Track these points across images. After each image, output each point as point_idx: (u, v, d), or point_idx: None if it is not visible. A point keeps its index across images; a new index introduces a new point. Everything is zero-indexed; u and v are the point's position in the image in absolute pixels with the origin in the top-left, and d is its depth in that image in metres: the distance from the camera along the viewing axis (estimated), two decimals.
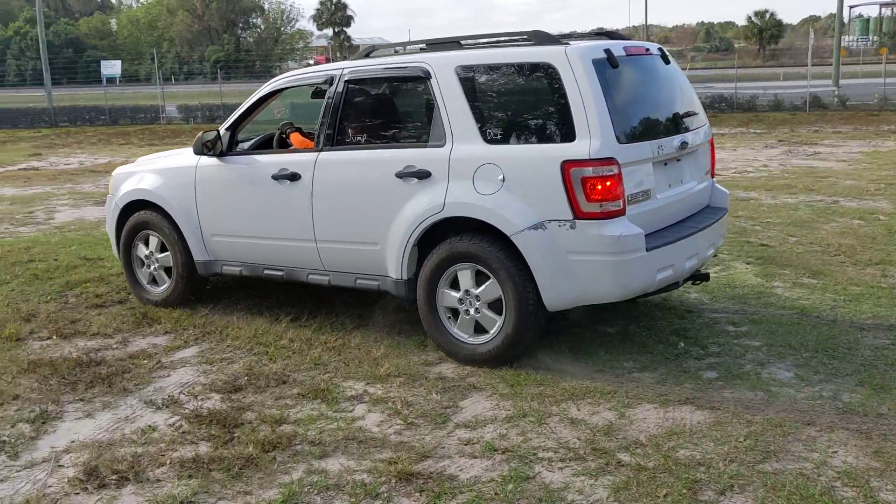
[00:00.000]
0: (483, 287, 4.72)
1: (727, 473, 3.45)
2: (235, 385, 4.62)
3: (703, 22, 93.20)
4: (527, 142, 4.61)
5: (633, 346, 5.05)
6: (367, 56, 5.51)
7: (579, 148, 4.37)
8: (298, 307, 6.05)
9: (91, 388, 4.63)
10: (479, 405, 4.27)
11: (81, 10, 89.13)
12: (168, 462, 3.70)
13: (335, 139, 5.28)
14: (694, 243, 4.90)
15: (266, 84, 5.91)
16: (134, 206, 6.25)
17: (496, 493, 3.37)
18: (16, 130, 27.52)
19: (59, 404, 4.44)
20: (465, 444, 3.82)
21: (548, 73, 4.56)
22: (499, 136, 4.68)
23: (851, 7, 64.66)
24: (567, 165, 4.38)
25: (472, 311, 4.80)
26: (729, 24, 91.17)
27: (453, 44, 5.20)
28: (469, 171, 4.68)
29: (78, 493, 3.47)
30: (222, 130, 5.82)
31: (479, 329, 4.82)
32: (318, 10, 76.19)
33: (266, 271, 5.71)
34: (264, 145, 6.20)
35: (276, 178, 5.41)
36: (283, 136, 6.18)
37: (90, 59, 60.01)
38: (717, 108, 24.87)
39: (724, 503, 3.24)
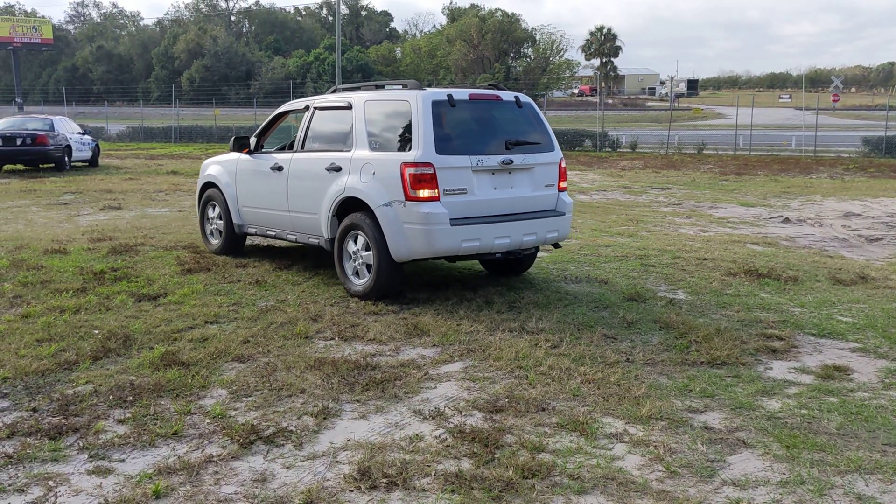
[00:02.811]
0: (367, 253, 7.15)
1: None
2: (497, 406, 4.70)
3: None
4: (390, 150, 7.02)
5: None
6: (332, 93, 8.28)
7: (411, 155, 6.74)
8: (559, 334, 6.06)
9: (366, 391, 4.95)
10: (749, 463, 3.99)
11: (372, 38, 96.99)
12: (433, 473, 3.84)
13: (304, 145, 8.09)
14: (506, 228, 7.04)
15: (276, 109, 8.98)
16: (207, 185, 9.46)
17: None
18: None
19: (339, 402, 4.78)
20: None
21: (405, 108, 6.99)
22: (377, 146, 7.16)
23: None
24: (404, 166, 6.72)
25: (357, 263, 7.30)
26: None
27: (376, 87, 7.88)
28: (358, 167, 7.17)
29: (352, 491, 3.70)
30: (252, 137, 8.80)
31: (357, 274, 7.38)
32: (587, 40, 76.79)
33: (268, 232, 8.51)
34: (284, 149, 8.81)
35: (272, 168, 8.27)
36: (293, 143, 8.57)
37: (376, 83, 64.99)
38: None
39: None
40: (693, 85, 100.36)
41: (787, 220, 12.92)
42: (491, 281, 7.99)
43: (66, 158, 22.82)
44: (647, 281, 8.16)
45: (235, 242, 9.18)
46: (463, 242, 6.77)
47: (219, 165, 9.31)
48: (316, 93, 73.26)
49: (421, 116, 6.77)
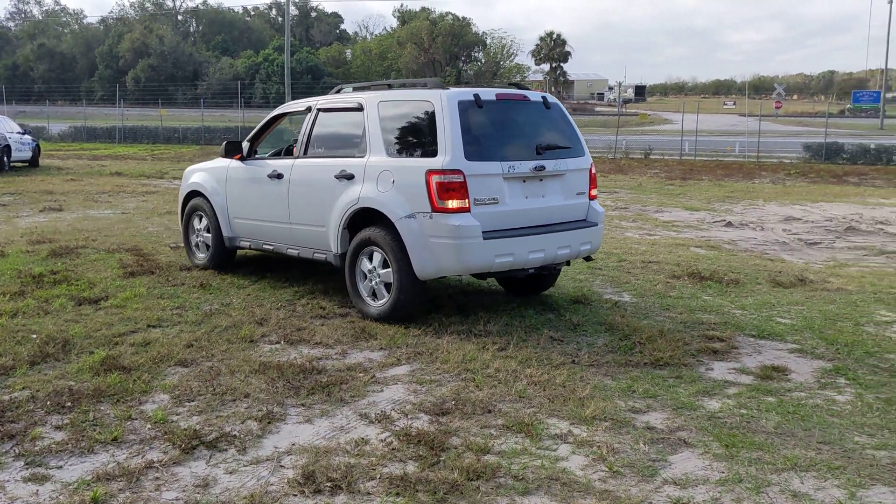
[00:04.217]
0: (385, 271, 6.46)
1: None
2: (443, 408, 4.71)
3: None
4: (411, 156, 6.41)
5: (868, 418, 4.62)
6: (336, 93, 7.63)
7: (438, 161, 6.09)
8: (506, 337, 6.10)
9: (312, 395, 4.91)
10: (689, 462, 4.06)
11: (322, 40, 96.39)
12: (378, 476, 3.83)
13: (306, 150, 7.38)
14: (540, 241, 6.43)
15: (272, 112, 8.31)
16: (192, 194, 8.63)
17: None
18: None
19: (284, 407, 4.74)
20: (675, 503, 3.64)
21: (427, 109, 6.34)
22: (395, 151, 6.50)
23: None
24: (429, 173, 6.08)
25: (374, 282, 6.62)
26: None
27: (384, 86, 7.20)
28: (374, 175, 6.48)
29: (296, 495, 3.67)
30: (245, 142, 8.11)
31: (374, 295, 6.67)
32: (537, 45, 77.55)
33: (264, 245, 7.78)
34: (279, 154, 8.29)
35: (270, 177, 7.54)
36: (290, 148, 8.21)
37: (326, 84, 64.65)
38: None
39: None
40: (641, 91, 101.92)
41: (730, 224, 13.20)
42: (437, 283, 8.00)
43: (5, 158, 22.21)
44: (593, 283, 8.26)
45: (224, 257, 8.37)
46: (496, 258, 6.15)
47: (206, 173, 8.53)
48: (266, 95, 72.56)
49: (447, 118, 6.12)
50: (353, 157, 6.74)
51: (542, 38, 79.51)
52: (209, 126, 38.90)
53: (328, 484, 3.75)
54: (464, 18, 77.37)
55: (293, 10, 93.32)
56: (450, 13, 78.52)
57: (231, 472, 3.90)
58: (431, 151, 6.16)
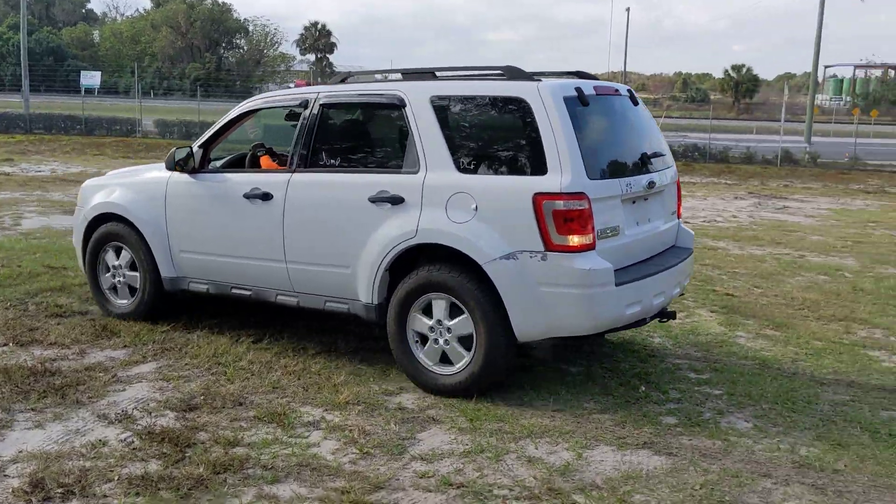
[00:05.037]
0: (456, 321, 4.76)
1: None
2: (191, 404, 4.54)
3: (680, 72, 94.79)
4: (499, 172, 4.75)
5: (595, 387, 5.05)
6: (342, 82, 5.66)
7: (551, 181, 4.49)
8: (261, 329, 5.99)
9: (43, 399, 4.53)
10: (437, 438, 4.23)
11: (65, 20, 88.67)
12: (116, 478, 3.62)
13: (308, 161, 5.35)
14: (662, 281, 5.01)
15: (240, 104, 6.00)
16: (102, 219, 6.22)
17: None
18: None
19: (10, 413, 4.33)
20: (420, 477, 3.77)
21: (520, 107, 4.69)
22: (472, 166, 4.80)
23: (826, 67, 66.32)
24: (539, 198, 4.49)
25: (443, 340, 4.82)
26: (706, 76, 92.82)
27: (428, 74, 5.33)
28: (443, 199, 4.75)
29: None
30: (195, 147, 5.84)
31: (445, 360, 4.87)
32: (302, 34, 76.61)
33: (234, 290, 5.68)
34: (235, 165, 6.23)
35: (248, 197, 5.44)
36: (255, 156, 6.24)
37: (70, 68, 59.64)
38: (691, 157, 25.23)
39: None
40: None
41: None
42: None
43: None
44: None
45: (162, 302, 6.13)
46: (627, 308, 4.70)
47: (127, 190, 6.16)
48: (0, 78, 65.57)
49: (556, 121, 4.56)
50: (397, 171, 5.00)
51: (306, 28, 78.48)
52: None
53: (59, 490, 3.49)
54: (224, 3, 74.63)
55: None
56: None
57: None
58: (536, 167, 4.57)
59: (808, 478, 3.89)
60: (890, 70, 71.24)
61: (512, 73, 4.94)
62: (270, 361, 5.31)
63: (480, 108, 4.93)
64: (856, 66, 72.04)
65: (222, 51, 73.73)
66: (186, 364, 5.24)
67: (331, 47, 78.32)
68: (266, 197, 5.37)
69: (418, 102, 4.98)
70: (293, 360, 5.33)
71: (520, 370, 5.26)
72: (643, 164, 5.17)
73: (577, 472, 3.88)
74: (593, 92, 4.96)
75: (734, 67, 71.24)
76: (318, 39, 76.80)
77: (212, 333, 5.89)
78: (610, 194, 4.71)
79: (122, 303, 6.19)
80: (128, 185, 6.25)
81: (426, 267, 4.82)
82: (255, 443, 4.08)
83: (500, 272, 4.57)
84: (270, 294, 5.52)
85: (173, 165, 5.81)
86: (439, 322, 4.81)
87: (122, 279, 6.17)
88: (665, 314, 5.22)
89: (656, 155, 5.37)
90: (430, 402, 4.71)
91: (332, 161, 5.41)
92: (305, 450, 4.03)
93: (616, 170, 4.90)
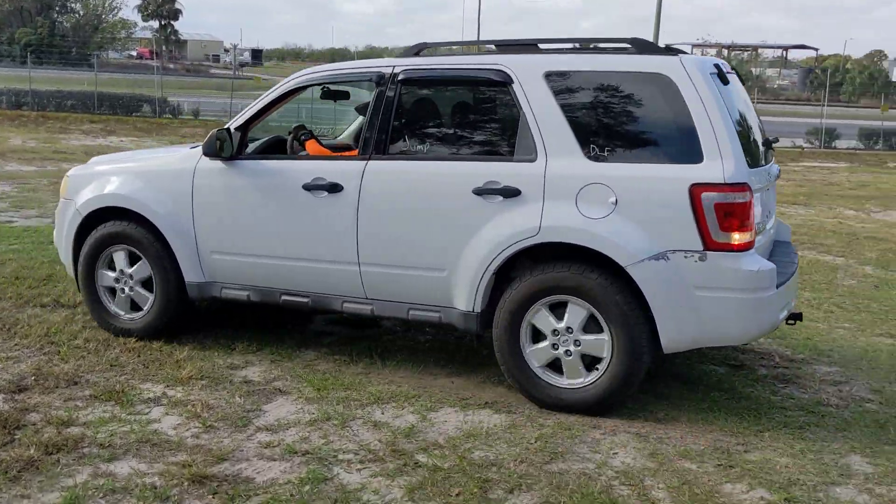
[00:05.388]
0: (583, 326, 4.21)
1: (517, 473, 3.62)
2: (21, 385, 4.33)
3: None
4: (641, 160, 4.14)
5: (442, 354, 5.20)
6: (416, 54, 4.82)
7: (711, 170, 3.96)
8: None
9: None
10: (283, 409, 4.24)
11: None
12: None
13: (387, 146, 4.63)
14: (793, 284, 4.64)
15: (290, 78, 5.04)
16: (101, 215, 5.22)
17: (291, 495, 3.36)
18: None
19: None
20: (265, 447, 3.78)
21: (663, 85, 4.12)
22: (606, 153, 4.19)
23: (666, 46, 69.63)
24: (697, 189, 3.95)
25: (566, 349, 4.27)
26: None
27: (530, 47, 4.74)
28: (571, 191, 4.16)
29: None
30: (232, 129, 4.92)
31: (574, 371, 4.31)
32: (143, 0, 72.80)
33: (285, 297, 4.88)
34: (271, 150, 5.35)
35: (309, 188, 4.66)
36: (298, 140, 5.42)
37: None
38: None
39: (511, 500, 3.40)
40: (258, 55, 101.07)
41: None
42: (19, 245, 7.23)
43: None
44: None
45: (181, 314, 5.25)
46: (780, 313, 4.28)
47: (138, 179, 5.17)
48: None
49: (709, 100, 4.04)
50: (507, 159, 4.38)
51: None
52: None
53: None
54: None
55: None
56: None
57: None
58: (688, 154, 4.04)
59: (633, 427, 4.18)
60: (724, 49, 75.93)
61: (642, 47, 4.36)
62: (108, 339, 5.12)
63: (609, 85, 4.27)
64: (693, 45, 76.28)
65: (56, 15, 68.93)
66: (16, 345, 4.97)
67: (175, 14, 74.87)
68: (334, 188, 4.60)
69: (529, 79, 4.33)
70: (132, 338, 5.15)
71: (368, 339, 5.33)
72: (766, 150, 4.81)
73: (420, 433, 4.00)
74: (726, 69, 4.51)
75: None
76: (161, 6, 73.18)
77: (44, 311, 5.60)
78: (759, 185, 4.30)
79: (131, 315, 5.22)
80: (136, 173, 5.22)
81: (544, 269, 4.24)
82: (91, 422, 3.95)
83: (648, 275, 4.02)
84: (335, 302, 4.79)
85: (218, 151, 4.82)
86: (562, 333, 4.24)
87: (130, 287, 5.20)
88: (794, 315, 4.69)
89: (772, 141, 4.96)
90: (277, 374, 4.71)
91: (420, 147, 4.66)
92: (145, 426, 3.94)
93: (753, 157, 4.36)
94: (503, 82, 4.40)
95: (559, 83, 4.30)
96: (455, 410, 4.30)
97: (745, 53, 76.67)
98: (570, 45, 4.90)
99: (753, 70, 69.76)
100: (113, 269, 5.22)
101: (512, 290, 4.31)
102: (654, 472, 3.69)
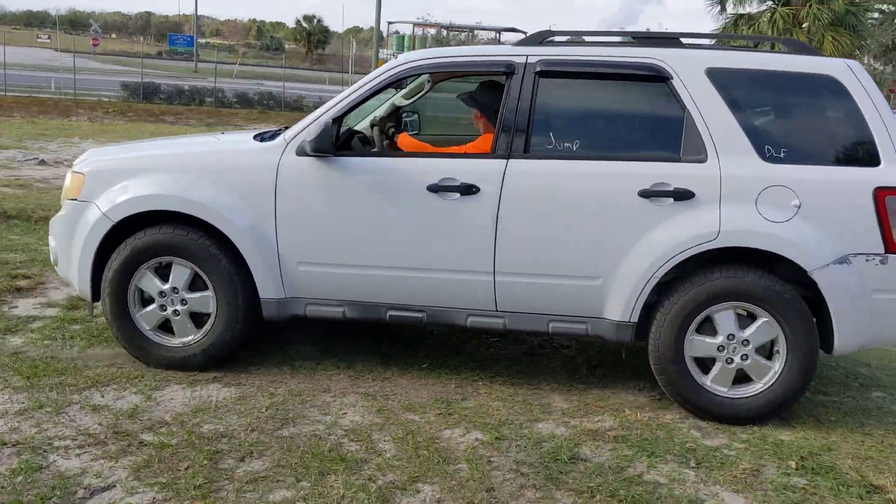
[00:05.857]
0: (754, 330, 4.08)
1: (248, 442, 3.66)
2: None
3: (254, 19, 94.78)
4: (819, 163, 4.06)
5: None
6: (541, 43, 4.41)
7: (892, 173, 3.97)
8: None
9: None
10: None
11: None
12: None
13: (528, 145, 4.21)
14: None
15: (395, 64, 4.43)
16: (135, 222, 4.37)
17: (3, 487, 3.14)
18: None
19: None
20: None
21: (830, 86, 4.10)
22: (782, 155, 4.06)
23: (390, 23, 71.43)
24: (882, 193, 3.93)
25: (736, 358, 4.12)
26: (280, 25, 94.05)
27: (672, 40, 4.44)
28: (751, 193, 4.01)
29: None
30: (328, 120, 4.26)
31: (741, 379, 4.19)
32: None
33: (392, 313, 4.36)
34: (348, 145, 4.68)
35: (436, 189, 4.18)
36: (385, 134, 4.86)
37: None
38: (266, 104, 25.70)
39: (243, 468, 3.44)
40: None
41: (43, 163, 12.64)
42: None
43: None
44: None
45: (246, 335, 4.53)
46: None
47: (195, 174, 4.37)
48: None
49: (879, 103, 4.04)
50: (674, 160, 4.11)
51: None
52: None
53: None
54: None
55: None
56: None
57: None
58: (865, 157, 4.01)
59: (362, 388, 4.38)
60: (443, 30, 79.25)
61: (796, 47, 4.39)
62: None
63: (777, 85, 4.19)
64: (414, 24, 78.78)
65: None
66: None
67: None
68: (468, 190, 4.15)
69: (691, 75, 4.14)
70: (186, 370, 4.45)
71: (81, 322, 5.03)
72: None
73: (145, 412, 3.89)
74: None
75: (306, 18, 73.38)
76: None
77: None
78: None
79: (182, 342, 4.45)
80: (197, 169, 4.40)
81: (712, 275, 4.06)
82: None
83: (831, 279, 3.96)
84: (458, 316, 4.32)
85: (332, 146, 4.21)
86: (730, 337, 4.09)
87: (180, 308, 4.41)
88: None
89: None
90: None
91: (567, 145, 4.24)
92: None
93: None
94: (661, 77, 4.18)
95: (723, 80, 4.15)
96: (182, 388, 4.22)
97: (463, 35, 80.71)
98: (708, 41, 4.78)
99: None
100: (160, 287, 4.41)
101: (673, 300, 4.11)
102: (381, 427, 3.90)
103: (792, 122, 4.26)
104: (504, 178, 4.17)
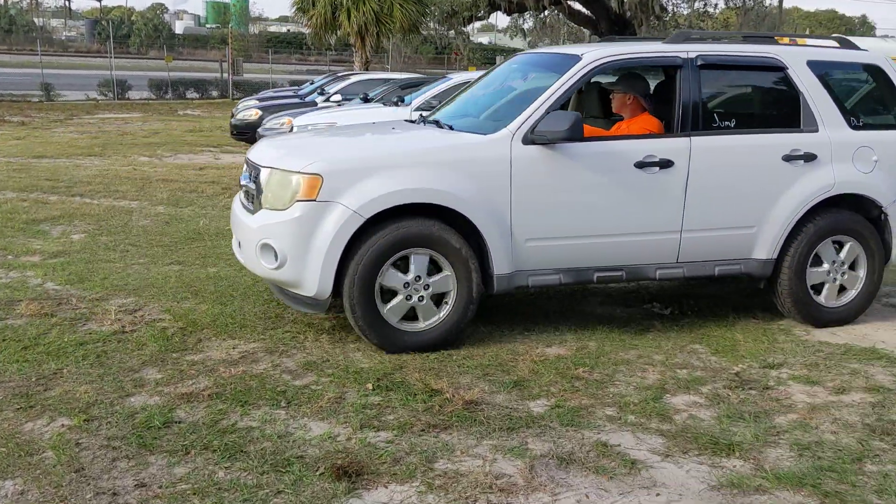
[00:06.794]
0: (846, 253, 5.49)
1: None
2: None
3: None
4: (883, 128, 5.62)
5: None
6: (685, 41, 5.38)
7: None
8: None
9: None
10: None
11: None
12: None
13: (700, 123, 5.18)
14: None
15: (584, 64, 5.06)
16: (380, 217, 4.59)
17: None
18: None
19: None
20: None
21: (880, 72, 5.68)
22: (861, 124, 5.52)
23: None
24: None
25: (838, 277, 5.50)
26: None
27: (769, 38, 5.77)
28: (849, 153, 5.40)
29: None
30: (577, 116, 4.81)
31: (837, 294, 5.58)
32: None
33: (598, 274, 5.10)
34: None
35: (641, 165, 5.01)
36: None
37: None
38: None
39: None
40: None
41: None
42: None
43: None
44: None
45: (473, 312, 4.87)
46: None
47: (442, 169, 4.70)
48: None
49: None
50: (798, 131, 5.38)
51: None
52: None
53: None
54: None
55: None
56: None
57: None
58: None
59: None
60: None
61: (844, 43, 5.86)
62: None
63: (846, 71, 5.74)
64: None
65: None
66: None
67: None
68: (666, 164, 5.05)
69: (798, 66, 5.39)
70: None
71: None
72: None
73: None
74: None
75: None
76: None
77: None
78: None
79: (427, 324, 4.82)
80: (432, 163, 4.79)
81: (821, 218, 5.36)
82: None
83: (894, 212, 5.51)
84: (649, 270, 5.19)
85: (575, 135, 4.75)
86: (837, 263, 5.49)
87: (424, 294, 4.75)
88: None
89: None
90: None
91: (726, 123, 5.32)
92: None
93: None
94: (779, 68, 5.38)
95: (818, 69, 5.45)
96: None
97: (25, 3, 72.39)
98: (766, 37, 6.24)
99: (37, 20, 66.50)
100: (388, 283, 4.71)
101: (801, 237, 5.34)
102: None
103: (860, 98, 5.77)
104: (690, 152, 5.11)
